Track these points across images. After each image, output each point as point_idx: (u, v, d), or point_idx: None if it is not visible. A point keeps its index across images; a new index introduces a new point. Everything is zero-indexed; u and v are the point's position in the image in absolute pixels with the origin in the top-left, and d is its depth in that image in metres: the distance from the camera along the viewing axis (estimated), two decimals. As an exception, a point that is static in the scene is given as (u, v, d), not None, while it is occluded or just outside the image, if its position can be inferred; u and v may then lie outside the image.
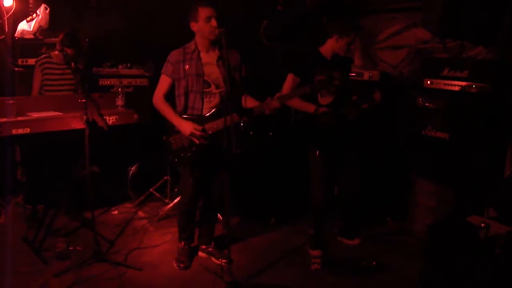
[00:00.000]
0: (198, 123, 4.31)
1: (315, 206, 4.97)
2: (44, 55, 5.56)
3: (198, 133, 4.26)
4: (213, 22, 4.22)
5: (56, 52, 5.50)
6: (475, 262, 3.61)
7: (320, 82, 4.52)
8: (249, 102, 4.45)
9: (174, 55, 4.41)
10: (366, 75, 6.17)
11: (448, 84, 5.11)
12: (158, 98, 4.44)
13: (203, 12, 4.24)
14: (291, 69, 4.83)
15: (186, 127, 4.29)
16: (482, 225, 3.65)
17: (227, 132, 4.03)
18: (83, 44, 5.70)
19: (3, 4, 5.83)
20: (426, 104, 5.37)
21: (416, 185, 5.52)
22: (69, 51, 5.33)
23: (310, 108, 4.74)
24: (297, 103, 4.79)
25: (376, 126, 5.83)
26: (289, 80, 4.81)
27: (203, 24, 4.26)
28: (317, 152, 4.82)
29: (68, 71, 5.55)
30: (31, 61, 5.72)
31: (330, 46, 4.88)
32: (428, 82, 5.29)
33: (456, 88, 5.03)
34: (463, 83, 4.96)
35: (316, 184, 4.92)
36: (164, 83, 4.44)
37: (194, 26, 4.34)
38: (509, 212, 4.25)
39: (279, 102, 4.29)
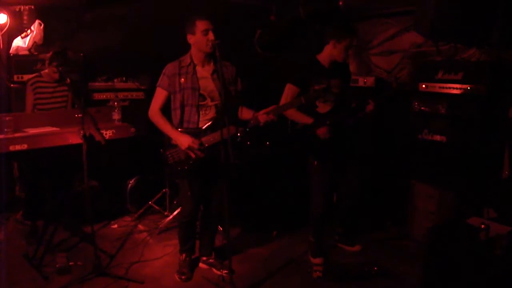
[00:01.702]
0: (195, 136, 4.30)
1: (315, 214, 4.96)
2: (35, 74, 5.54)
3: (196, 147, 4.25)
4: (211, 35, 4.21)
5: (47, 71, 5.48)
6: (476, 263, 3.61)
7: (316, 91, 4.52)
8: (245, 113, 4.45)
9: (169, 68, 4.39)
10: (361, 81, 6.20)
11: (443, 87, 5.13)
12: (154, 111, 4.42)
13: (201, 24, 4.24)
14: (289, 78, 4.81)
15: (183, 141, 4.27)
16: (482, 226, 3.65)
17: (224, 144, 4.03)
18: (73, 60, 5.71)
19: (-3, 21, 5.86)
20: (422, 108, 5.38)
21: (415, 189, 5.53)
22: (60, 68, 5.32)
23: (308, 120, 4.74)
24: (294, 115, 4.78)
25: (374, 131, 5.84)
26: (288, 90, 4.80)
27: (201, 36, 4.25)
28: (315, 162, 4.82)
29: (59, 88, 5.53)
30: (27, 77, 5.71)
31: (328, 53, 4.84)
32: (423, 86, 5.31)
33: (451, 91, 5.04)
34: (458, 86, 4.98)
35: (316, 192, 4.91)
36: (160, 96, 4.42)
37: (191, 39, 4.33)
38: (508, 212, 4.26)
39: (274, 114, 4.29)
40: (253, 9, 7.19)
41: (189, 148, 4.25)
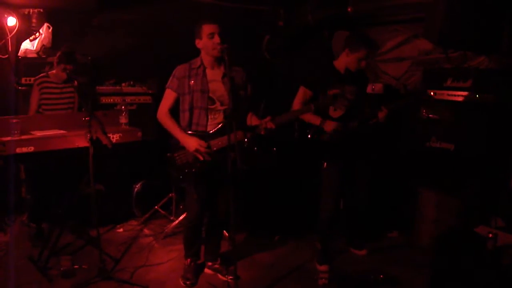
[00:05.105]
0: (203, 139, 4.30)
1: (324, 219, 4.94)
2: (42, 74, 5.57)
3: (203, 149, 4.24)
4: (216, 39, 4.22)
5: (54, 71, 5.51)
6: (483, 273, 3.58)
7: (326, 99, 4.52)
8: (254, 120, 4.45)
9: (179, 70, 4.40)
10: (369, 88, 6.16)
11: (452, 95, 5.11)
12: (163, 113, 4.43)
13: (207, 28, 4.25)
14: (303, 82, 4.83)
15: (191, 143, 4.27)
16: (490, 235, 3.63)
17: (231, 149, 4.02)
18: (81, 62, 5.73)
19: (6, 24, 5.87)
20: (430, 115, 5.36)
21: (422, 196, 5.50)
22: (68, 67, 5.35)
23: (316, 121, 4.73)
24: (306, 116, 4.78)
25: (381, 138, 5.81)
26: (301, 93, 4.82)
27: (207, 40, 4.25)
28: (325, 163, 4.80)
29: (66, 90, 5.56)
30: (35, 80, 5.75)
31: (343, 61, 4.84)
32: (432, 93, 5.29)
33: (460, 99, 5.03)
34: (467, 93, 4.96)
35: (325, 196, 4.90)
36: (169, 97, 4.43)
37: (199, 43, 4.34)
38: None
39: (276, 123, 4.28)
40: (262, 14, 7.19)
41: (196, 150, 4.24)
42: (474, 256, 3.71)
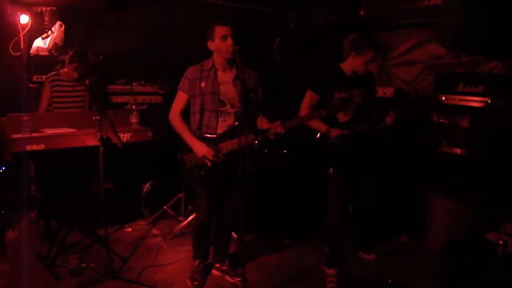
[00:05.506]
0: (213, 141, 4.29)
1: (331, 223, 4.91)
2: (53, 73, 5.60)
3: (210, 157, 4.23)
4: (229, 41, 4.20)
5: (66, 70, 5.55)
6: (493, 280, 3.55)
7: (337, 104, 4.48)
8: (264, 124, 4.43)
9: (191, 72, 4.38)
10: (381, 92, 6.15)
11: (463, 100, 5.08)
12: (175, 115, 4.42)
13: (220, 30, 4.23)
14: (310, 85, 4.79)
15: (199, 148, 4.25)
16: (500, 242, 3.60)
17: (241, 151, 4.00)
18: (93, 61, 5.75)
19: (19, 21, 5.89)
20: (441, 120, 5.33)
21: (432, 201, 5.47)
22: (80, 66, 5.36)
23: (322, 128, 4.70)
24: (312, 122, 4.75)
25: (392, 142, 5.79)
26: (308, 98, 4.78)
27: (219, 42, 4.24)
28: (331, 169, 4.78)
29: (78, 88, 5.60)
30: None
31: (349, 64, 4.79)
32: (443, 97, 5.26)
33: (472, 104, 5.00)
34: (479, 98, 4.93)
35: (332, 202, 4.87)
36: (180, 99, 4.41)
37: (211, 45, 4.32)
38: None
39: (286, 128, 4.25)
40: (273, 16, 7.19)
41: (204, 157, 4.24)
42: (484, 263, 3.68)
